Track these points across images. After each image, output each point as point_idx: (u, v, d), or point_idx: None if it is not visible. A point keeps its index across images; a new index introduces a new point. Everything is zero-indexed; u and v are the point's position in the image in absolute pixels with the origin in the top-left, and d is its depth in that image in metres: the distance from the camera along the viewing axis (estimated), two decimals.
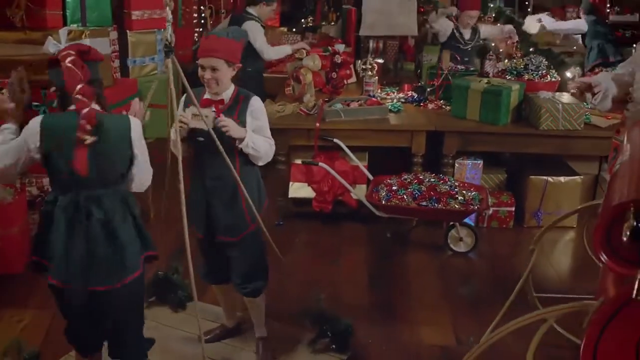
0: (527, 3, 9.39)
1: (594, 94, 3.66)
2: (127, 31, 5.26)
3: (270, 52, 5.99)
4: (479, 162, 5.20)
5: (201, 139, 3.00)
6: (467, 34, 6.05)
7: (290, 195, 5.29)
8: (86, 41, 4.37)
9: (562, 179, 5.15)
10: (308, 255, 4.81)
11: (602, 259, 2.11)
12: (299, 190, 5.27)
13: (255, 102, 3.13)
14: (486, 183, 5.29)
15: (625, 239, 1.96)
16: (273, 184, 5.60)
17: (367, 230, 5.17)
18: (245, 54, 5.89)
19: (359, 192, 5.00)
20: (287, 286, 4.18)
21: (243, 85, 3.24)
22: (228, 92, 3.10)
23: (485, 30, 6.24)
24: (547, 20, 7.34)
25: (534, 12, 9.36)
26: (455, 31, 6.04)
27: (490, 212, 5.18)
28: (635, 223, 1.92)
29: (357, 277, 4.46)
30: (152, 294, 3.94)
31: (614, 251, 2.11)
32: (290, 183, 5.28)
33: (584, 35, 7.36)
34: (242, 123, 3.04)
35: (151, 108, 5.27)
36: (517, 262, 4.58)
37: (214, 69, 3.00)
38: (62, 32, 2.75)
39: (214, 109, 3.02)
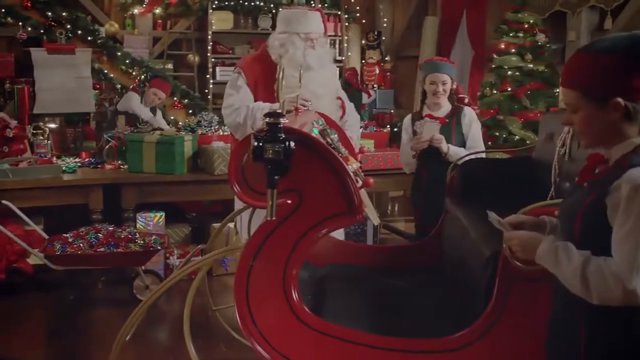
0: None
1: None
2: None
3: None
4: (161, 214, 5.23)
5: None
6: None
7: None
8: None
9: None
10: None
11: (235, 189, 2.26)
12: None
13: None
14: (171, 237, 5.32)
15: (251, 158, 2.13)
16: None
17: (47, 297, 4.83)
18: None
19: (35, 258, 4.67)
20: None
21: None
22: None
23: None
24: None
25: None
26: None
27: (178, 263, 5.19)
28: (255, 143, 2.10)
29: (39, 343, 4.18)
30: None
31: (248, 186, 2.28)
32: None
33: None
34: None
35: None
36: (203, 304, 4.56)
37: None
38: None
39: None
